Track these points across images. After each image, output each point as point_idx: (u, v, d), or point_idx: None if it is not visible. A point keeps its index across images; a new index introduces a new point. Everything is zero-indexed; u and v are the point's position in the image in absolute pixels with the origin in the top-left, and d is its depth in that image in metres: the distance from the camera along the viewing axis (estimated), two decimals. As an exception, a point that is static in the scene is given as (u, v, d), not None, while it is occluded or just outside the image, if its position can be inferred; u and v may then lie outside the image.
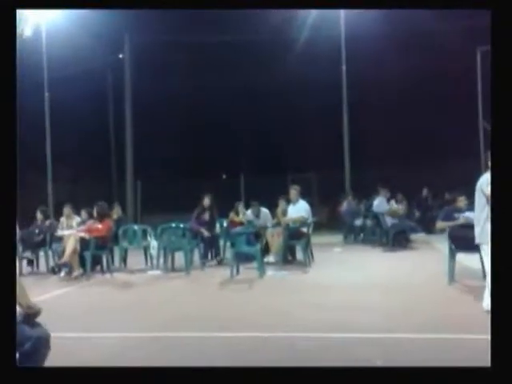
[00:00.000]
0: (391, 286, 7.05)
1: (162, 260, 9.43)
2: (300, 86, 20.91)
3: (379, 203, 11.74)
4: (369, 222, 12.80)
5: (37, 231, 9.95)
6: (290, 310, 5.76)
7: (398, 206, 12.56)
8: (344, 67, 17.50)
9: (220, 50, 21.01)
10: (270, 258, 9.51)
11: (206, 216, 10.10)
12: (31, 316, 2.55)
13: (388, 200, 12.06)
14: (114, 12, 16.06)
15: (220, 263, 9.90)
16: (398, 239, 11.33)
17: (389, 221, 11.48)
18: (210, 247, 10.16)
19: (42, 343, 2.46)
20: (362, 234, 13.32)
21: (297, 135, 22.59)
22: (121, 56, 21.28)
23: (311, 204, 10.32)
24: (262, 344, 4.55)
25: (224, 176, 23.88)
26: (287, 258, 9.74)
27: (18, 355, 2.52)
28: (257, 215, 10.60)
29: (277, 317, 5.53)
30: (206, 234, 9.75)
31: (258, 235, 9.29)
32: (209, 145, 23.67)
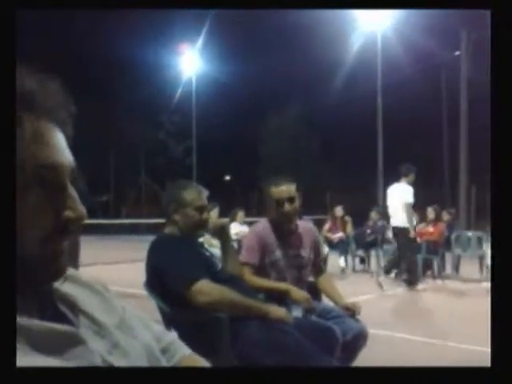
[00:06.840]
0: None
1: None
2: None
3: None
4: None
5: (369, 231, 10.28)
6: None
7: None
8: None
9: None
10: None
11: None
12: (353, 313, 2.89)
13: None
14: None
15: None
16: None
17: None
18: None
19: (361, 337, 2.78)
20: None
21: None
22: (457, 53, 20.39)
23: None
24: None
25: None
26: None
27: (341, 344, 2.62)
28: None
29: None
30: None
31: None
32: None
